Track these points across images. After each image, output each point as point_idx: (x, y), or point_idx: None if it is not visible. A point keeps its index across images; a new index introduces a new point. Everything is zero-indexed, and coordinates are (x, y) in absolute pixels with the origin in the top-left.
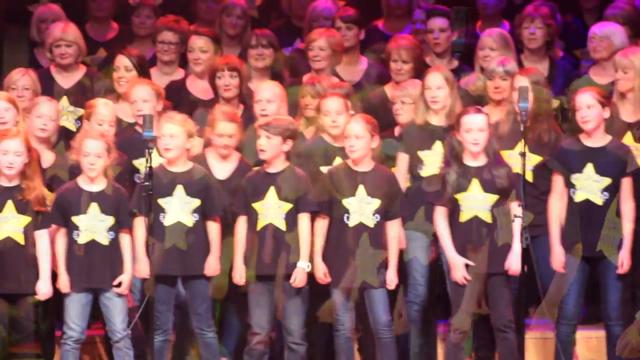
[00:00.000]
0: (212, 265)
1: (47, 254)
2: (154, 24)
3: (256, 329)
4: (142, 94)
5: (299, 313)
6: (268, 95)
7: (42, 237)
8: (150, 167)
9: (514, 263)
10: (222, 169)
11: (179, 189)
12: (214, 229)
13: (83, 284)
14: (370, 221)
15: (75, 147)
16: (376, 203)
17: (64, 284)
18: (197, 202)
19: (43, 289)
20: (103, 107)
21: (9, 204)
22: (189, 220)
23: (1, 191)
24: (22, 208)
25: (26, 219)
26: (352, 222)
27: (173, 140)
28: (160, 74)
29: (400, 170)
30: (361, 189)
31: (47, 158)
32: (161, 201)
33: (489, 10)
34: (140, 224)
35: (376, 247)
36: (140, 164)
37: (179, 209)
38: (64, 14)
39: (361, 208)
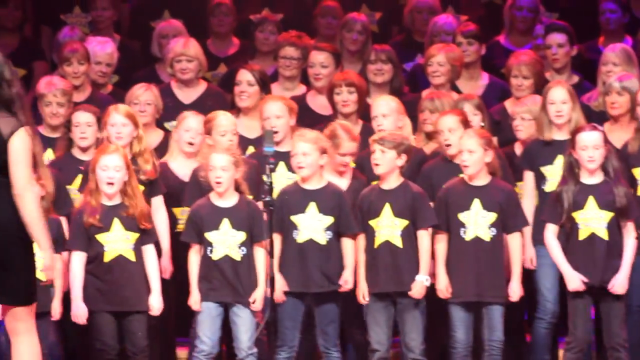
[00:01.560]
0: (348, 281)
1: (157, 269)
2: (276, 40)
3: (375, 345)
4: (275, 110)
5: (419, 329)
6: (383, 110)
7: (150, 252)
8: (271, 183)
9: (619, 282)
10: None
11: (312, 207)
12: (349, 245)
13: (214, 297)
14: (487, 235)
15: (202, 162)
16: (492, 217)
17: (194, 301)
18: (330, 220)
19: (156, 304)
20: (223, 118)
21: (116, 222)
22: (322, 237)
23: (106, 210)
24: (129, 225)
25: (135, 236)
26: (468, 236)
27: (306, 158)
28: (282, 89)
29: (528, 187)
30: (476, 203)
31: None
32: (294, 218)
33: (611, 25)
34: (277, 241)
35: (494, 261)
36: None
37: (312, 226)
38: (185, 30)
39: (477, 222)
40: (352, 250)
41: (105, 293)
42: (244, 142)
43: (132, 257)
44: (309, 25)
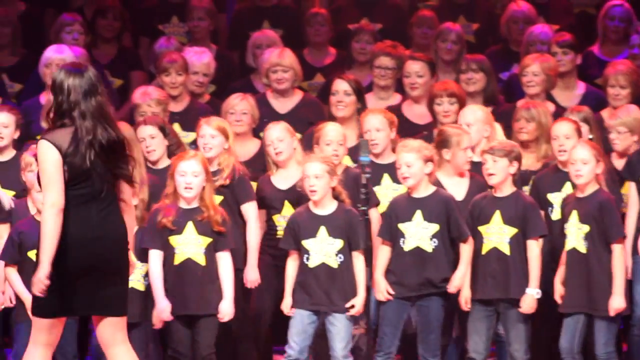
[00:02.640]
0: (456, 284)
1: (231, 275)
2: (372, 50)
3: (472, 354)
4: (376, 123)
5: (522, 339)
6: (469, 119)
7: (224, 258)
8: (367, 192)
9: None
10: (457, 189)
11: (418, 215)
12: (465, 250)
13: (308, 304)
14: (582, 247)
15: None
16: (585, 228)
17: (286, 305)
18: (435, 228)
19: (226, 310)
20: (331, 128)
21: (189, 225)
22: (428, 245)
23: (182, 213)
24: (202, 229)
25: (207, 240)
26: (567, 247)
27: (410, 168)
28: (377, 99)
29: (631, 198)
30: (574, 215)
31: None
32: (401, 226)
33: None
34: (383, 249)
35: (588, 272)
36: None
37: (418, 234)
38: (279, 40)
39: (574, 233)
40: (468, 254)
41: (175, 296)
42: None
43: (202, 261)
44: (407, 35)
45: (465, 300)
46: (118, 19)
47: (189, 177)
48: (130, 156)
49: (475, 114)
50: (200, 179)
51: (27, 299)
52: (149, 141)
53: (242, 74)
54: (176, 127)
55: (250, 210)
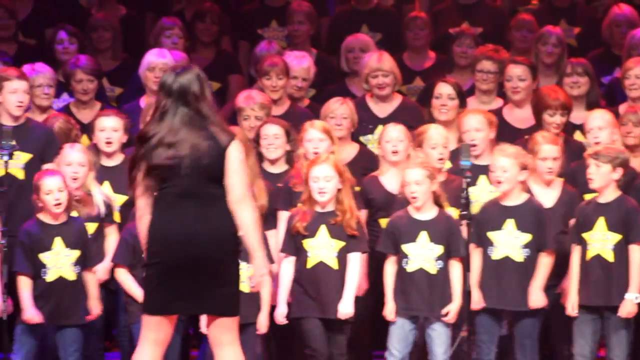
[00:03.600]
0: (533, 299)
1: (355, 277)
2: (474, 54)
3: (578, 358)
4: (475, 123)
5: (623, 345)
6: (599, 122)
7: (353, 259)
8: (467, 196)
9: None
10: (547, 197)
11: (510, 223)
12: (544, 263)
13: (409, 313)
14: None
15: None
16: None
17: (389, 311)
18: (527, 238)
19: (344, 310)
20: (434, 132)
21: (323, 229)
22: (519, 255)
23: (315, 217)
24: (335, 233)
25: (340, 244)
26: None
27: (505, 173)
28: (478, 103)
29: None
30: None
31: None
32: (490, 235)
33: None
34: (476, 255)
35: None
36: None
37: (508, 243)
38: (372, 43)
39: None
40: (546, 267)
41: (312, 299)
42: None
43: (334, 264)
44: (506, 39)
45: (572, 305)
46: (216, 22)
47: (322, 182)
48: (225, 155)
49: (604, 117)
50: (334, 183)
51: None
52: (271, 140)
53: (341, 78)
54: None
55: (363, 217)
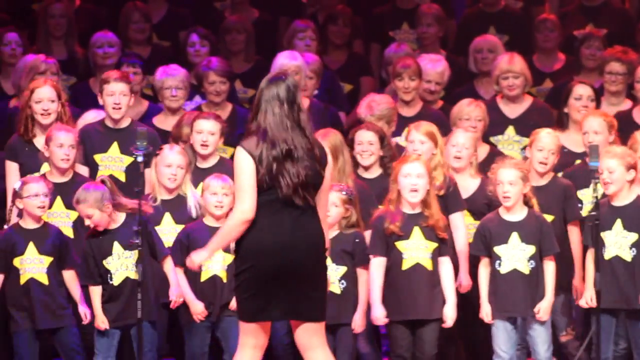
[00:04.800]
0: None
1: (453, 280)
2: (602, 55)
3: None
4: (595, 126)
5: None
6: None
7: (446, 263)
8: (597, 198)
9: None
10: None
11: (618, 223)
12: None
13: (505, 312)
14: None
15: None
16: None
17: (486, 313)
18: (635, 237)
19: (450, 314)
20: (546, 135)
21: (416, 230)
22: (628, 254)
23: (407, 218)
24: (428, 234)
25: (432, 245)
26: None
27: (612, 174)
28: (607, 105)
29: None
30: None
31: None
32: (604, 234)
33: None
34: (590, 256)
35: None
36: (583, 194)
37: (618, 242)
38: (500, 45)
39: None
40: None
41: (402, 301)
42: (571, 156)
43: (429, 265)
44: (633, 40)
45: None
46: (348, 25)
47: (414, 179)
48: (326, 164)
49: None
50: (425, 182)
51: (191, 301)
52: (366, 146)
53: (469, 79)
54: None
55: (459, 219)
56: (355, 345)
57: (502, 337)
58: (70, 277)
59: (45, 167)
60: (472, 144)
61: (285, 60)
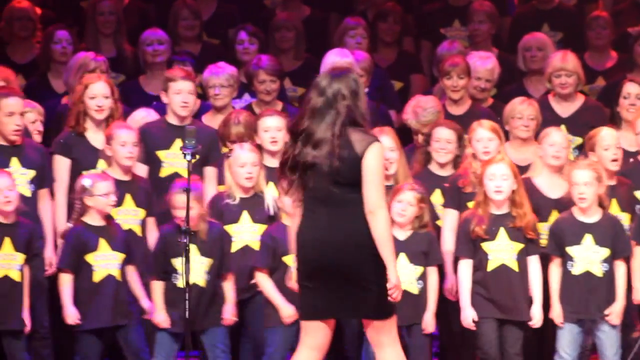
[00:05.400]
0: None
1: (540, 280)
2: None
3: None
4: None
5: None
6: None
7: (534, 262)
8: None
9: None
10: None
11: None
12: None
13: (576, 314)
14: None
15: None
16: None
17: (557, 314)
18: None
19: (537, 315)
20: (607, 133)
21: (502, 232)
22: None
23: (493, 219)
24: (514, 235)
25: (519, 246)
26: None
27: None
28: None
29: None
30: None
31: None
32: None
33: None
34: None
35: None
36: None
37: None
38: (550, 42)
39: None
40: None
41: (488, 301)
42: (625, 154)
43: (515, 267)
44: None
45: None
46: (398, 22)
47: (498, 180)
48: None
49: None
50: (509, 182)
51: (279, 305)
52: (443, 144)
53: (520, 78)
54: None
55: None
56: (431, 346)
57: (567, 339)
58: (133, 274)
59: (101, 164)
60: (569, 144)
61: (335, 57)
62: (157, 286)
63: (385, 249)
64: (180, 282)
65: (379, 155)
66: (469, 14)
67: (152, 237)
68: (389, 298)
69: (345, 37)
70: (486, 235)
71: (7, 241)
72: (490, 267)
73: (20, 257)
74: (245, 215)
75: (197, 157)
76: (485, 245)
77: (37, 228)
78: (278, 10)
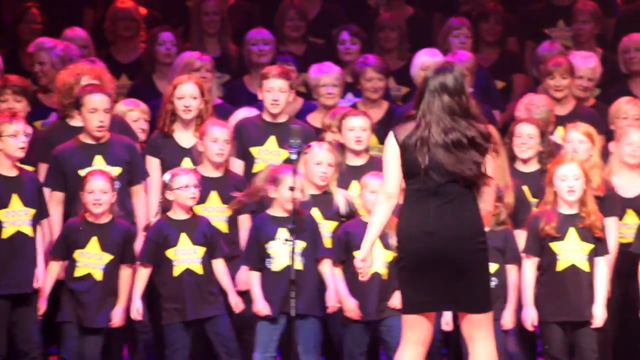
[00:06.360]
0: None
1: (606, 280)
2: None
3: None
4: None
5: None
6: None
7: (602, 263)
8: None
9: None
10: None
11: None
12: None
13: None
14: None
15: None
16: None
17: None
18: None
19: (598, 315)
20: None
21: (572, 232)
22: None
23: (562, 219)
24: (584, 235)
25: (588, 247)
26: None
27: None
28: None
29: None
30: None
31: None
32: None
33: None
34: None
35: None
36: None
37: None
38: None
39: None
40: None
41: (556, 302)
42: None
43: (585, 267)
44: None
45: None
46: (500, 22)
47: (571, 181)
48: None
49: None
50: (581, 183)
51: (346, 300)
52: (525, 139)
53: (625, 79)
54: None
55: (612, 225)
56: (504, 343)
57: None
58: (220, 267)
59: (185, 162)
60: None
61: (426, 57)
62: (255, 276)
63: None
64: (274, 266)
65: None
66: (573, 14)
67: (245, 233)
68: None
69: (449, 37)
70: (557, 234)
71: (94, 241)
72: (560, 267)
73: (106, 257)
74: (316, 212)
75: (284, 155)
76: (555, 245)
77: (132, 230)
78: (382, 10)
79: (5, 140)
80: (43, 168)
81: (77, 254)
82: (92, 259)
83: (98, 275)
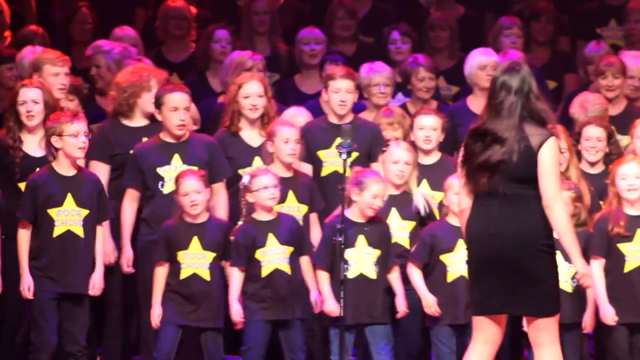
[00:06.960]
0: None
1: None
2: None
3: None
4: None
5: None
6: None
7: None
8: None
9: None
10: None
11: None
12: None
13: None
14: None
15: None
16: None
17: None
18: None
19: None
20: None
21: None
22: None
23: (630, 220)
24: None
25: None
26: None
27: None
28: None
29: None
30: None
31: None
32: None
33: None
34: None
35: None
36: None
37: None
38: None
39: None
40: None
41: (623, 304)
42: None
43: None
44: None
45: None
46: (551, 22)
47: (631, 179)
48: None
49: None
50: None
51: (423, 296)
52: (593, 142)
53: None
54: None
55: None
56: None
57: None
58: (306, 264)
59: (256, 162)
60: None
61: (482, 57)
62: (325, 276)
63: (567, 240)
64: (349, 273)
65: (555, 149)
66: (625, 13)
67: (316, 232)
68: (581, 283)
69: (500, 37)
70: (627, 233)
71: (195, 240)
72: (628, 268)
73: (210, 256)
74: (394, 212)
75: (353, 155)
76: (623, 246)
77: (229, 225)
78: (433, 9)
79: (65, 139)
80: (95, 166)
81: (180, 256)
82: (195, 259)
83: (205, 275)
